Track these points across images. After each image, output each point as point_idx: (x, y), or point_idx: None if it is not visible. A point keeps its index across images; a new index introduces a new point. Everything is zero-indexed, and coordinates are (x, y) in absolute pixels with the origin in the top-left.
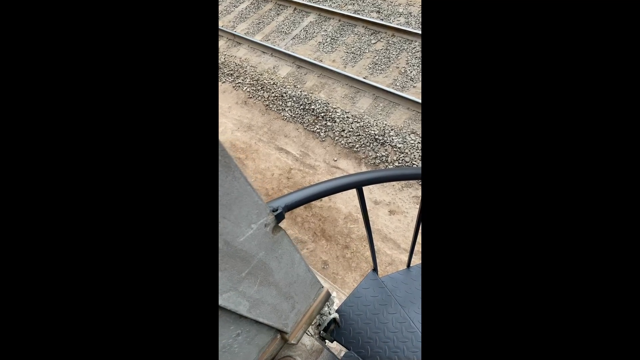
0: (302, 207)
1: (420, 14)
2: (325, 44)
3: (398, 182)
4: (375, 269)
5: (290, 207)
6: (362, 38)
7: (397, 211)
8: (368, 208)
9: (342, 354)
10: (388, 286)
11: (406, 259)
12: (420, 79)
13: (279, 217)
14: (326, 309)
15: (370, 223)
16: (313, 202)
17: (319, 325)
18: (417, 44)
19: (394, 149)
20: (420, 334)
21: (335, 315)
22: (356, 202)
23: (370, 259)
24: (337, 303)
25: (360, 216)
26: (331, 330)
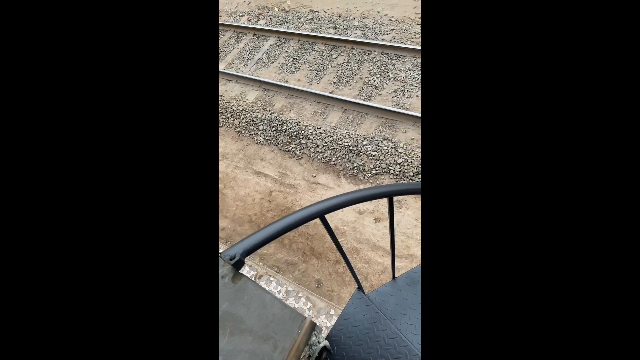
0: None
1: (375, 27)
2: (288, 65)
3: None
4: (359, 287)
5: (250, 251)
6: (323, 54)
7: (382, 218)
8: (352, 219)
9: None
10: (376, 302)
11: (397, 264)
12: (381, 88)
13: (238, 265)
14: (314, 338)
15: (358, 233)
16: None
17: (310, 356)
18: (376, 54)
19: (369, 157)
20: (412, 346)
21: (325, 342)
22: (340, 215)
23: (363, 270)
24: (335, 317)
25: (347, 228)
26: (323, 359)
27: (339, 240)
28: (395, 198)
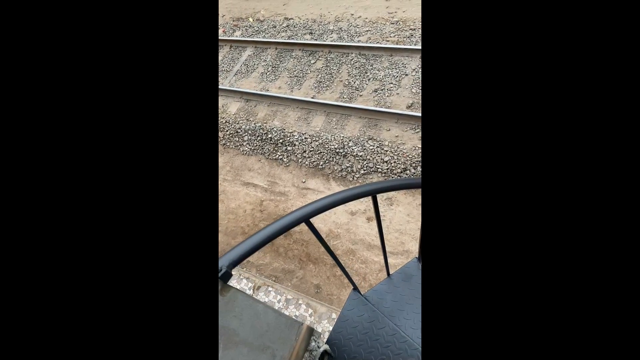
0: (281, 236)
1: (350, 29)
2: (268, 73)
3: None
4: (355, 288)
5: (236, 262)
6: (302, 60)
7: (375, 217)
8: (346, 221)
9: None
10: (373, 300)
11: (394, 261)
12: (362, 89)
13: (225, 277)
14: (314, 343)
15: (352, 234)
16: (291, 229)
17: None
18: (353, 56)
19: (356, 157)
20: (412, 341)
21: (325, 346)
22: (333, 217)
23: (361, 270)
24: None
25: (341, 230)
26: None
27: (334, 243)
28: (385, 195)
